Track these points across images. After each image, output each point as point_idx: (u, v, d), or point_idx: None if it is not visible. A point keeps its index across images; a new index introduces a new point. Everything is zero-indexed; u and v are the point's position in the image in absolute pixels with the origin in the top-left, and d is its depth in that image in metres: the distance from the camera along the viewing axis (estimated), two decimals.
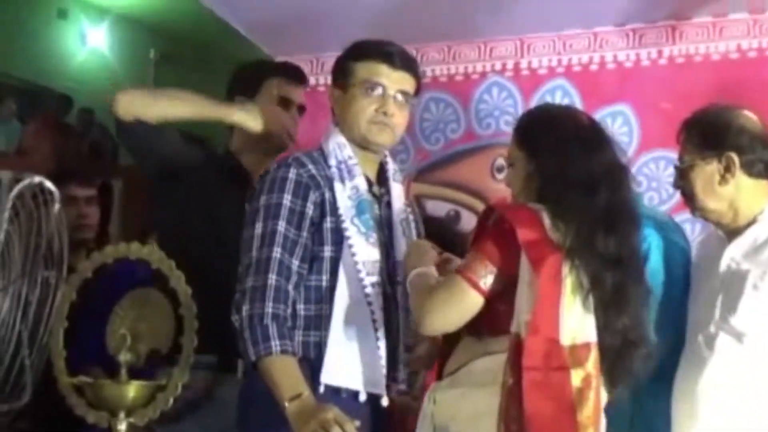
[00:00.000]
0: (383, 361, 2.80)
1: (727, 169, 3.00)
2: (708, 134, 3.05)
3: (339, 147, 2.93)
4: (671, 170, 4.27)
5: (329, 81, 4.97)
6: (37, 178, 2.89)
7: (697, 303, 3.06)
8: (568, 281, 2.57)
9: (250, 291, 2.70)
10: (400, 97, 2.95)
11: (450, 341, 2.82)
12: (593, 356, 2.58)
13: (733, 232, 3.04)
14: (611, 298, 2.61)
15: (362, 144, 2.95)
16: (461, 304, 2.63)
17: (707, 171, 3.03)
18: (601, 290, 2.60)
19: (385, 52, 2.95)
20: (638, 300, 2.66)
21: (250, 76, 3.48)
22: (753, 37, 4.32)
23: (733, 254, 3.01)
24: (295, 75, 3.51)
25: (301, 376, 2.68)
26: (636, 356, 2.66)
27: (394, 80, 2.94)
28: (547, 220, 2.61)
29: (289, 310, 2.74)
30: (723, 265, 3.01)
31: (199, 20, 5.52)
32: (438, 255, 2.91)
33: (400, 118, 2.97)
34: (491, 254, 2.63)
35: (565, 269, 2.57)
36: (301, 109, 3.47)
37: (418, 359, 3.03)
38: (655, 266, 3.00)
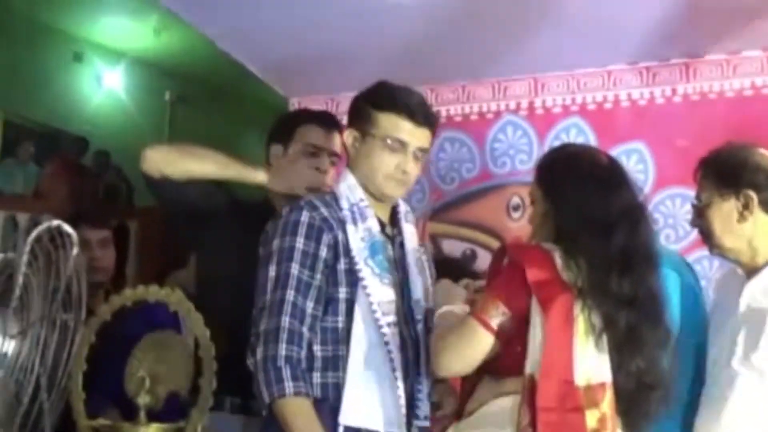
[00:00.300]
0: (402, 401, 2.79)
1: (746, 206, 3.00)
2: (724, 172, 3.04)
3: (350, 189, 2.94)
4: (688, 207, 4.27)
5: (344, 122, 5.08)
6: (55, 222, 2.90)
7: (717, 342, 3.04)
8: (581, 321, 2.58)
9: (263, 334, 2.72)
10: (419, 153, 2.97)
11: (471, 381, 2.82)
12: (608, 396, 2.58)
13: (752, 270, 3.03)
14: (625, 339, 2.61)
15: (376, 195, 2.96)
16: (472, 344, 2.65)
17: (725, 209, 3.02)
18: (614, 331, 2.60)
19: (411, 108, 2.93)
20: (654, 342, 2.65)
21: (284, 125, 3.49)
22: (767, 74, 4.34)
23: (752, 292, 2.99)
24: (326, 121, 3.49)
25: (316, 417, 2.68)
26: (652, 399, 2.66)
27: (416, 137, 2.95)
28: (559, 260, 2.62)
29: (304, 352, 2.74)
30: (743, 303, 3.00)
31: (215, 62, 5.58)
32: (468, 288, 2.95)
33: (415, 171, 2.98)
34: (503, 296, 2.64)
35: (577, 309, 2.58)
36: (334, 155, 3.43)
37: (445, 418, 3.02)
38: (673, 308, 2.99)
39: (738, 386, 2.92)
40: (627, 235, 2.65)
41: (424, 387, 2.91)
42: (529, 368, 2.57)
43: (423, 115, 2.95)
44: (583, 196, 2.68)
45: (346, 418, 2.76)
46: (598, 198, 2.67)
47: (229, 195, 3.50)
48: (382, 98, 2.95)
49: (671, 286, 3.03)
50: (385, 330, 2.79)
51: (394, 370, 2.80)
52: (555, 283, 2.59)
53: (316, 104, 5.19)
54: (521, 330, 2.62)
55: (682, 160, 4.35)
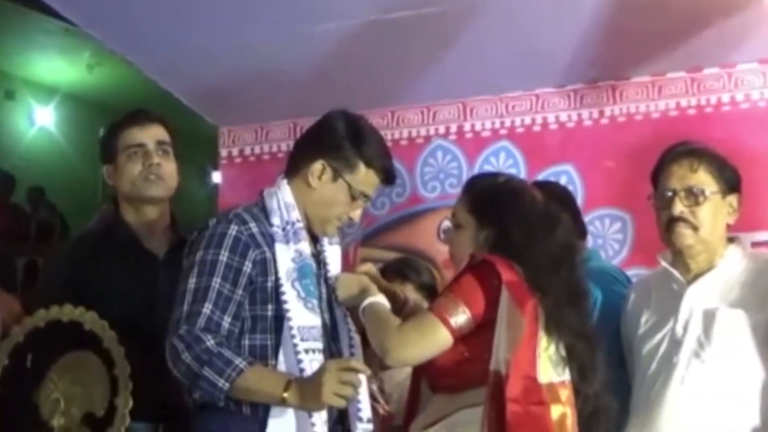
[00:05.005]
0: (317, 428, 2.68)
1: (733, 209, 3.06)
2: (727, 172, 3.06)
3: (286, 207, 2.86)
4: (617, 227, 4.35)
5: (274, 149, 5.09)
6: None
7: (649, 342, 3.07)
8: (542, 326, 2.65)
9: (185, 336, 2.63)
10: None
11: (413, 400, 2.88)
12: (568, 393, 2.68)
13: (696, 274, 3.04)
14: (585, 368, 2.71)
15: (313, 228, 2.92)
16: (431, 339, 2.66)
17: (720, 206, 3.03)
18: (576, 360, 2.71)
19: (389, 172, 2.94)
20: (602, 368, 2.74)
21: (106, 145, 3.39)
22: (692, 95, 4.42)
23: (699, 294, 3.02)
24: (137, 118, 3.38)
25: (276, 370, 2.69)
26: (602, 421, 2.76)
27: (375, 193, 2.97)
28: (520, 270, 2.68)
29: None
30: (687, 306, 3.01)
31: (148, 97, 5.54)
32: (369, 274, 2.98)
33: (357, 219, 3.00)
34: (467, 296, 2.67)
35: (541, 313, 2.65)
36: (161, 143, 3.33)
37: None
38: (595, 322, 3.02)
39: (689, 381, 2.95)
40: (569, 271, 2.74)
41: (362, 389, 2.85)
42: (494, 365, 2.61)
43: (393, 177, 2.97)
44: (528, 234, 2.73)
45: None
46: (542, 237, 2.73)
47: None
48: (372, 153, 2.89)
49: (598, 301, 3.14)
50: (302, 356, 2.73)
51: None
52: (523, 286, 2.65)
53: (247, 132, 5.22)
54: (477, 334, 2.66)
55: (609, 182, 4.42)
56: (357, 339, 2.93)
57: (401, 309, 2.95)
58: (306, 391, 2.59)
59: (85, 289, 3.06)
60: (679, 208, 3.00)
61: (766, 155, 4.18)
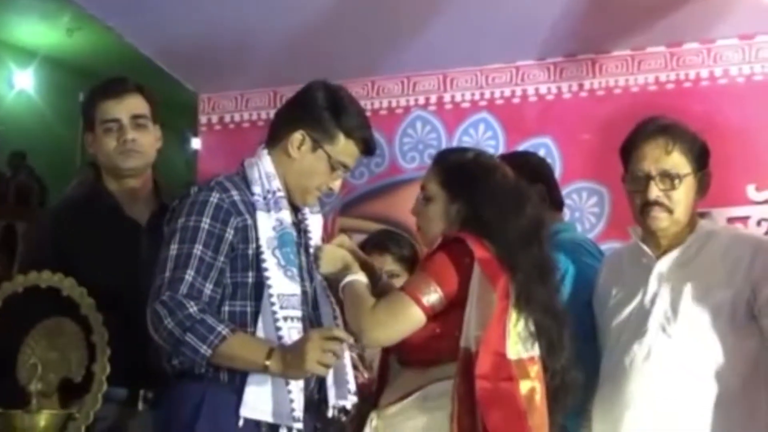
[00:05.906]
0: (293, 395, 2.71)
1: (704, 186, 3.03)
2: (697, 150, 3.02)
3: (267, 177, 2.87)
4: (594, 200, 4.36)
5: (254, 117, 5.09)
6: None
7: (618, 317, 3.08)
8: (513, 310, 2.66)
9: (167, 302, 2.64)
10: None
11: (383, 373, 2.90)
12: (537, 368, 2.69)
13: (665, 249, 3.04)
14: (553, 343, 2.73)
15: (293, 198, 2.92)
16: (404, 318, 2.68)
17: (693, 185, 3.00)
18: (545, 336, 2.72)
19: (369, 143, 2.92)
20: (569, 344, 2.77)
21: (87, 111, 3.33)
22: (670, 70, 4.45)
23: (667, 268, 3.02)
24: (112, 89, 3.30)
25: (258, 338, 2.70)
26: (570, 396, 2.79)
27: (356, 162, 2.97)
28: (491, 247, 2.68)
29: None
30: (654, 280, 3.02)
31: (127, 62, 5.52)
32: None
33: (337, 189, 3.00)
34: (439, 274, 2.69)
35: (511, 290, 2.66)
36: (137, 117, 3.25)
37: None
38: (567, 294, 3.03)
39: (655, 354, 2.96)
40: (539, 247, 2.76)
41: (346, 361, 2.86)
42: (464, 342, 2.64)
43: (373, 148, 2.97)
44: (499, 211, 2.74)
45: (245, 410, 2.72)
46: (513, 214, 2.75)
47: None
48: (351, 124, 2.88)
49: (568, 273, 3.15)
50: (281, 324, 2.73)
51: None
52: (495, 263, 2.66)
53: (226, 100, 5.21)
54: (448, 311, 2.68)
55: (587, 155, 4.44)
56: (339, 308, 2.94)
57: (377, 282, 2.98)
58: (289, 359, 2.60)
59: (68, 258, 3.05)
60: (655, 192, 2.96)
61: (744, 131, 4.22)
